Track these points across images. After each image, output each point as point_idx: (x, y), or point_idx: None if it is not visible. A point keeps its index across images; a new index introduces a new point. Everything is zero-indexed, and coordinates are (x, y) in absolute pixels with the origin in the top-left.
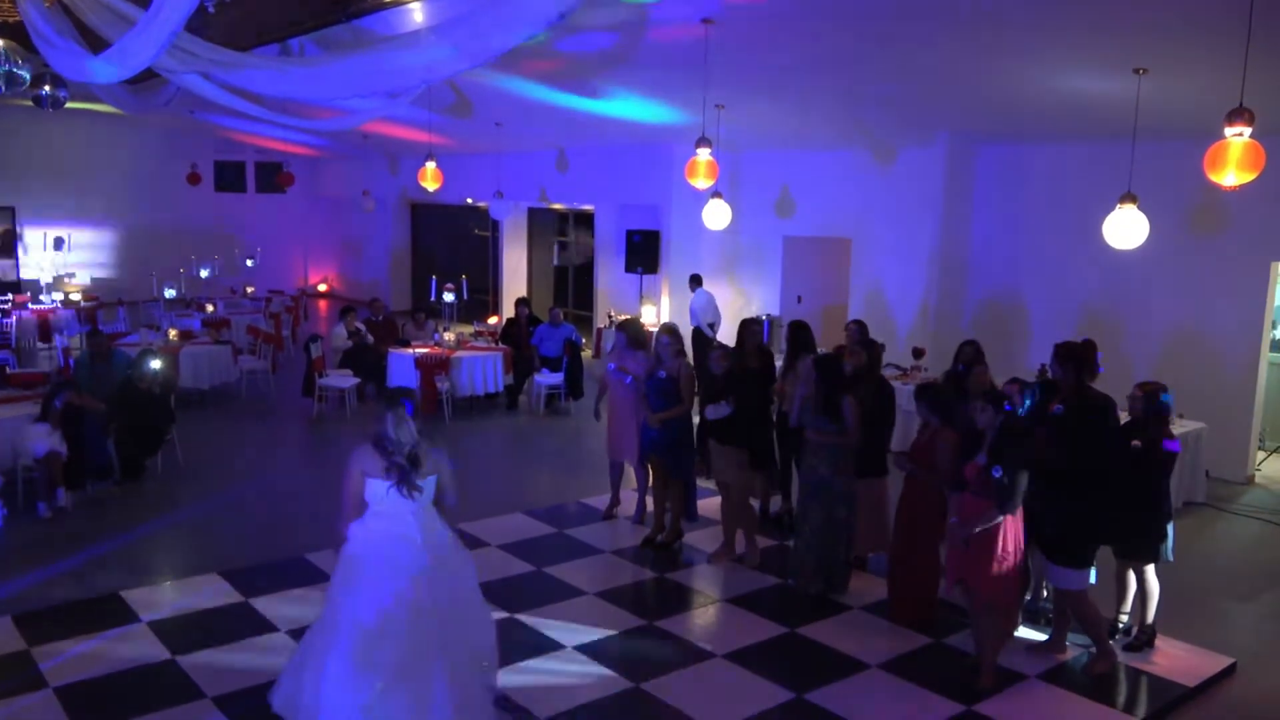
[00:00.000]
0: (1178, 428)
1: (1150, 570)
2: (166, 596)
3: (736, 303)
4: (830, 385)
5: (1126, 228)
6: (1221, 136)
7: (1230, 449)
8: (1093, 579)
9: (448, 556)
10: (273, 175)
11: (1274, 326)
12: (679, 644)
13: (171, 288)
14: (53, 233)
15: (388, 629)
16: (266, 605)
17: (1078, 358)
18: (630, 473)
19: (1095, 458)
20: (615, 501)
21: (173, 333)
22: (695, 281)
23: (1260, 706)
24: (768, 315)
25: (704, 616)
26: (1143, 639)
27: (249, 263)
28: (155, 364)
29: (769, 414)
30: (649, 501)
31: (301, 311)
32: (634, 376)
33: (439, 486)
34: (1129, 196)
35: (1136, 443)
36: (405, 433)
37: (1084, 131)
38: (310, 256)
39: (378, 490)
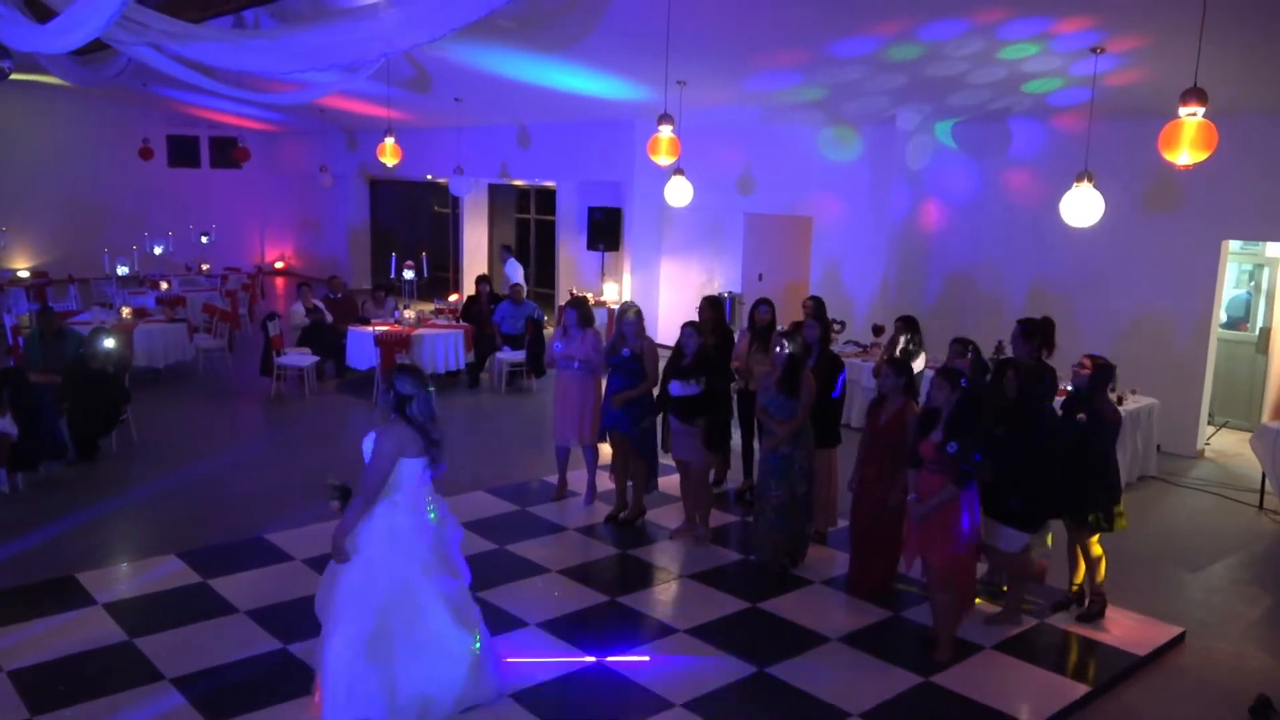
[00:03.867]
0: (1130, 403)
1: (1095, 540)
2: (123, 578)
3: (699, 280)
4: (796, 363)
5: (1082, 206)
6: (1176, 116)
7: (1181, 424)
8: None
9: (443, 536)
10: (228, 150)
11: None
12: (642, 620)
13: (124, 265)
14: None
15: (394, 613)
16: (225, 585)
17: (1043, 333)
18: (578, 455)
19: (1038, 424)
20: (563, 483)
21: (126, 311)
22: (507, 251)
23: (1208, 674)
24: (729, 293)
25: (666, 592)
26: (1094, 609)
27: (204, 239)
28: (108, 342)
29: (727, 392)
30: (598, 484)
31: (259, 289)
32: (580, 361)
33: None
34: (1085, 175)
35: (1082, 416)
36: (430, 414)
37: (1042, 110)
38: (267, 233)
39: (411, 470)
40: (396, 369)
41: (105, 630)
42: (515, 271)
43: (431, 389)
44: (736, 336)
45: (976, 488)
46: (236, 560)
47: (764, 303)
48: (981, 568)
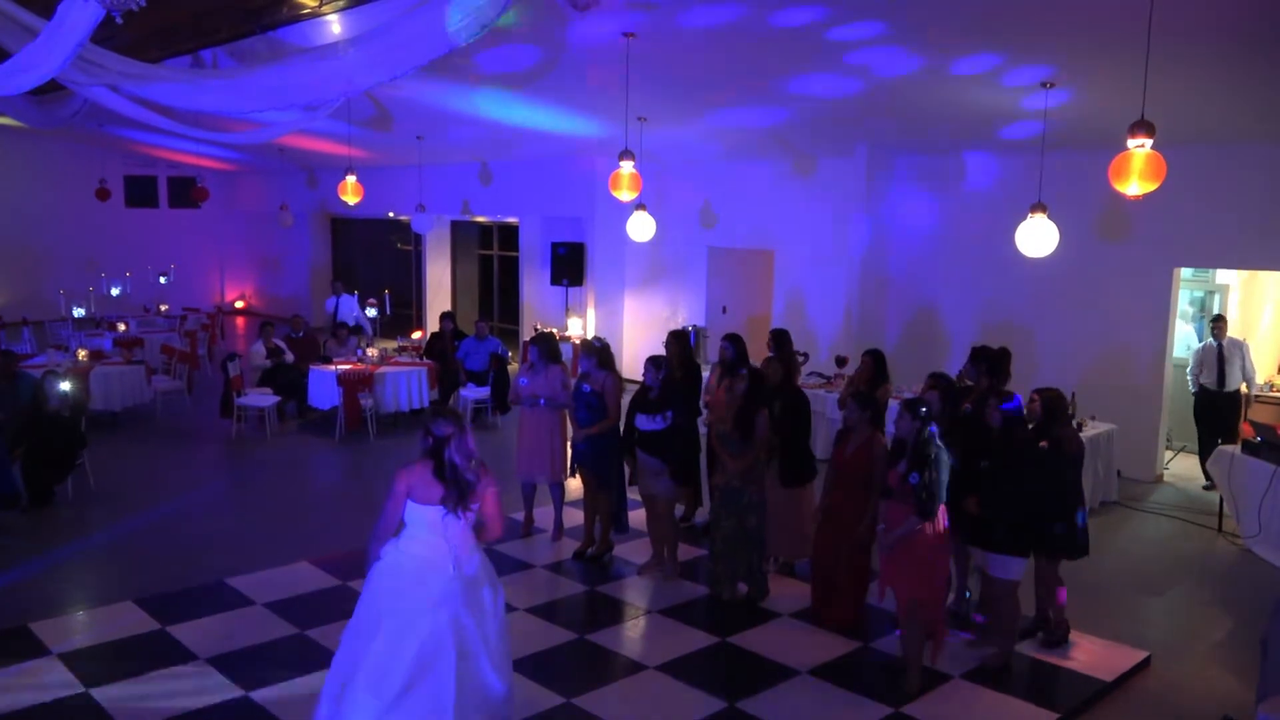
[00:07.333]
0: (1090, 429)
1: (1060, 565)
2: (78, 627)
3: (663, 313)
4: (751, 403)
5: (1037, 236)
6: (1125, 148)
7: (1139, 449)
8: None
9: (477, 590)
10: (186, 190)
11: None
12: (611, 657)
13: (80, 306)
14: None
15: (398, 659)
16: (185, 632)
17: (990, 360)
18: (544, 491)
19: (1012, 450)
20: (529, 520)
21: (82, 353)
22: (338, 288)
23: (1174, 697)
24: (694, 326)
25: (635, 629)
26: (1059, 634)
27: (162, 280)
28: (64, 386)
29: (695, 426)
30: (565, 520)
31: (218, 329)
32: (545, 398)
33: (480, 515)
34: (1039, 206)
35: (1044, 444)
36: (466, 456)
37: (996, 143)
38: (227, 273)
39: (422, 515)
40: (433, 412)
41: (60, 681)
42: (347, 310)
43: (461, 429)
44: (705, 371)
45: (951, 517)
46: (196, 606)
47: (727, 339)
48: (949, 597)
